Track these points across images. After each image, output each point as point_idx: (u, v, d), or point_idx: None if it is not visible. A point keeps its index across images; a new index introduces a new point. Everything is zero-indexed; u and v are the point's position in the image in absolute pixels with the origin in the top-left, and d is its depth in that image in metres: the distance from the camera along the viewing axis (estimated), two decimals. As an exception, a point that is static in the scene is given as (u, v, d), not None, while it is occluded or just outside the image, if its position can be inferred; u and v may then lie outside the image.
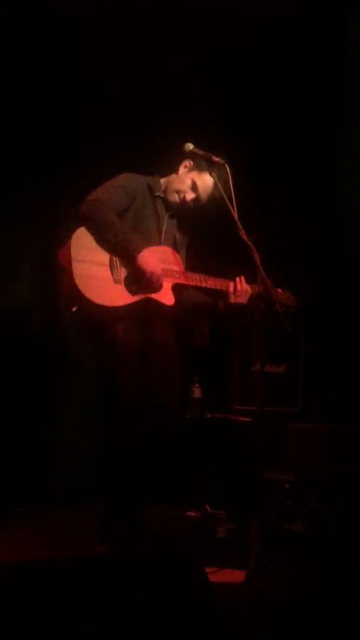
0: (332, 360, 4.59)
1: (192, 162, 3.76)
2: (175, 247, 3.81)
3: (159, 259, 3.63)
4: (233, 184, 3.44)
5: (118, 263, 3.55)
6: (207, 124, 3.90)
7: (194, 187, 3.72)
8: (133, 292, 3.56)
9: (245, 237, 3.42)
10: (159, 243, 3.74)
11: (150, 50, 4.69)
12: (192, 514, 4.19)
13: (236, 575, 3.21)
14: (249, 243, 3.42)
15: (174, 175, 3.80)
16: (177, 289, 3.66)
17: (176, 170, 3.80)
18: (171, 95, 4.74)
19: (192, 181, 3.72)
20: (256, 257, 3.37)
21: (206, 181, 3.71)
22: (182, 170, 3.79)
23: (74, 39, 4.66)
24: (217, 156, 3.58)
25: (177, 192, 3.75)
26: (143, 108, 4.70)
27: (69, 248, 3.50)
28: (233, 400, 4.59)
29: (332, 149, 4.75)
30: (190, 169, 3.76)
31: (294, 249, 4.73)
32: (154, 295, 3.58)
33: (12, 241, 4.63)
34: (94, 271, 3.51)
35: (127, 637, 2.17)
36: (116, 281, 3.53)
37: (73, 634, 2.12)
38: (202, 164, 3.72)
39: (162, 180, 3.81)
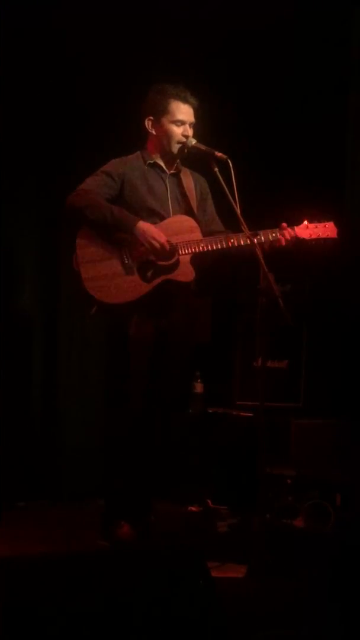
0: (335, 355, 4.59)
1: (150, 109, 3.63)
2: (189, 206, 3.68)
3: (173, 230, 3.52)
4: (236, 180, 3.42)
5: (129, 253, 3.49)
6: (208, 120, 3.86)
7: (181, 122, 3.60)
8: (149, 280, 3.49)
9: (248, 233, 3.41)
10: (168, 213, 3.62)
11: (151, 46, 4.68)
12: (194, 508, 4.19)
13: (237, 570, 3.21)
14: (252, 239, 3.41)
15: (153, 136, 3.65)
16: (199, 257, 3.56)
17: (150, 131, 3.65)
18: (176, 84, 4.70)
19: (174, 121, 3.59)
20: (259, 252, 3.36)
21: (179, 106, 3.59)
22: (153, 125, 3.63)
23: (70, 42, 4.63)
24: (219, 151, 3.55)
25: (172, 142, 3.61)
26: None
27: (75, 250, 3.48)
28: (235, 395, 4.60)
29: (336, 146, 4.75)
30: (158, 115, 3.61)
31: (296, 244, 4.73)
32: (170, 276, 3.51)
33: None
34: (103, 268, 3.45)
35: (128, 631, 2.18)
36: (128, 272, 3.47)
37: (74, 629, 2.12)
38: (161, 100, 3.60)
39: (149, 148, 3.68)
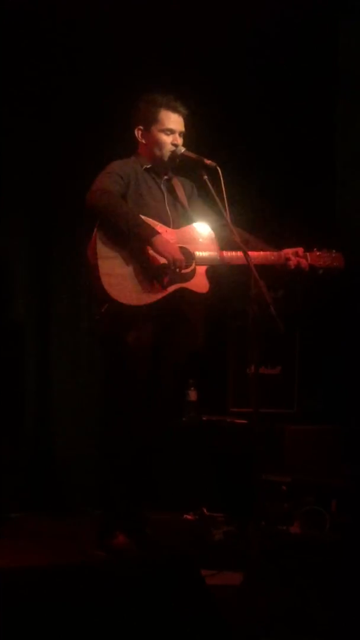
0: (328, 361, 4.60)
1: (140, 119, 3.64)
2: (185, 210, 3.68)
3: (191, 238, 3.53)
4: (225, 187, 3.42)
5: (147, 256, 3.42)
6: (197, 127, 3.87)
7: (170, 131, 3.60)
8: (165, 285, 3.44)
9: (238, 240, 3.41)
10: (168, 219, 3.59)
11: (145, 46, 4.68)
12: (189, 516, 4.19)
13: (233, 578, 3.21)
14: (242, 245, 3.41)
15: (143, 145, 3.65)
16: (212, 271, 3.56)
17: (140, 140, 3.66)
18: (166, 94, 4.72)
19: (163, 130, 3.59)
20: (249, 259, 3.36)
21: (169, 115, 3.60)
22: (143, 134, 3.64)
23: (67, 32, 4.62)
24: (208, 159, 3.55)
25: (164, 150, 3.61)
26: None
27: (95, 244, 3.39)
28: (229, 402, 4.60)
29: (326, 150, 4.77)
30: (148, 125, 3.62)
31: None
32: (186, 285, 3.49)
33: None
34: (121, 268, 3.38)
35: (125, 642, 2.18)
36: (145, 275, 3.41)
37: (72, 639, 2.12)
38: (150, 110, 3.61)
39: (142, 154, 3.67)
